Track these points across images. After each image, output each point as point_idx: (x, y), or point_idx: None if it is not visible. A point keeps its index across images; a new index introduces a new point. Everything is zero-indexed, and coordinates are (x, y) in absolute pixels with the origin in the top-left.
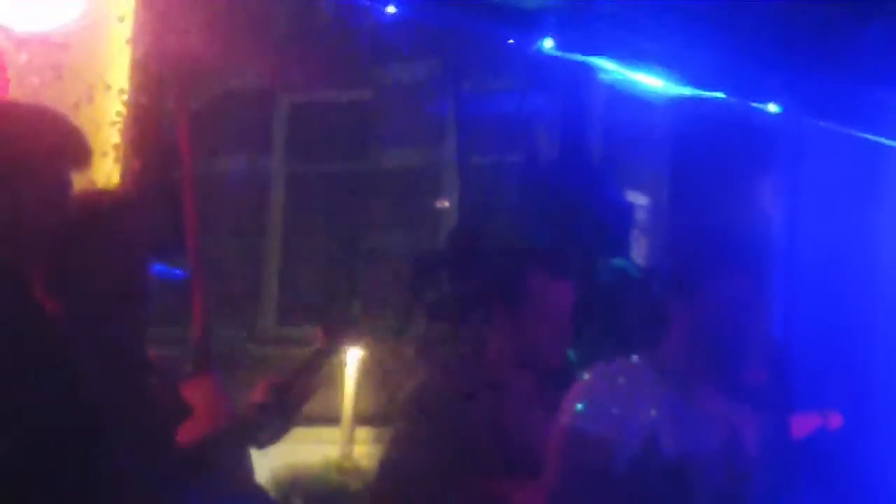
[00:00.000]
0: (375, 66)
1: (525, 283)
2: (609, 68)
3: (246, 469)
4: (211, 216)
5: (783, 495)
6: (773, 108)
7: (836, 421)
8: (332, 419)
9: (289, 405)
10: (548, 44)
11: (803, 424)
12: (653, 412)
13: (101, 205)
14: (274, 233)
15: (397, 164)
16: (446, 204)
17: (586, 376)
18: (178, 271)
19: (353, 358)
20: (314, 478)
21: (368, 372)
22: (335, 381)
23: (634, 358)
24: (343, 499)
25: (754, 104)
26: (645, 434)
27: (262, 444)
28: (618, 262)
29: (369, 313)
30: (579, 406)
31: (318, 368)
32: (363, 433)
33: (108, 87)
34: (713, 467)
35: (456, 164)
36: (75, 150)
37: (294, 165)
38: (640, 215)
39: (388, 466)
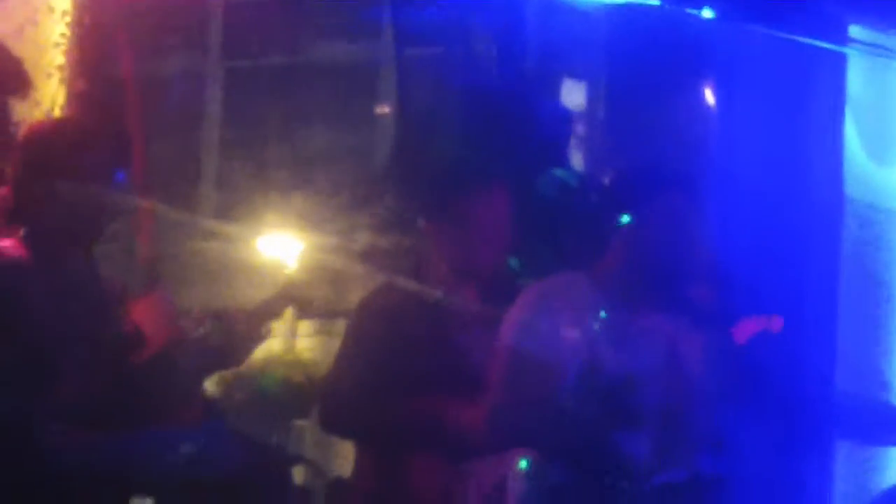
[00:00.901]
0: None
1: (462, 194)
2: None
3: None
4: (149, 116)
5: (724, 403)
6: (707, 13)
7: (777, 324)
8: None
9: (232, 338)
10: None
11: (744, 329)
12: (594, 328)
13: (58, 136)
14: (211, 130)
15: (334, 58)
16: (386, 110)
17: (527, 291)
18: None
19: (294, 250)
20: (256, 371)
21: (311, 265)
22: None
23: (575, 272)
24: (285, 392)
25: (689, 10)
26: (586, 350)
27: (209, 369)
28: (558, 172)
29: (308, 209)
30: (520, 323)
31: (271, 316)
32: (305, 326)
33: (52, 10)
34: (655, 383)
35: (393, 59)
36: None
37: (230, 62)
38: (578, 125)
39: (338, 373)
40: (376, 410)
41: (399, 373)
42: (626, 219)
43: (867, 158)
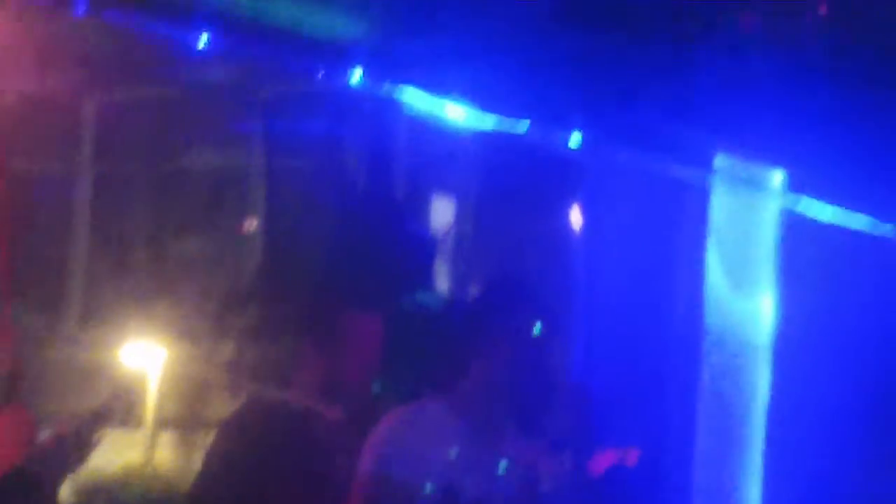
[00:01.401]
0: (181, 68)
1: (329, 317)
2: (416, 100)
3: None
4: (17, 218)
5: None
6: (574, 139)
7: (633, 456)
8: (134, 423)
9: (79, 449)
10: (356, 75)
11: (601, 461)
12: (451, 455)
13: None
14: (80, 234)
15: (205, 167)
16: (254, 224)
17: (388, 416)
18: None
19: (157, 361)
20: (116, 483)
21: (172, 377)
22: (139, 384)
23: (435, 398)
24: None
25: (558, 134)
26: (443, 478)
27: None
28: (421, 295)
29: (174, 318)
30: (380, 450)
31: (105, 423)
32: (166, 437)
33: None
34: None
35: (262, 168)
36: None
37: (100, 167)
38: (445, 248)
39: (199, 489)
40: None
41: (261, 492)
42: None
43: (729, 288)
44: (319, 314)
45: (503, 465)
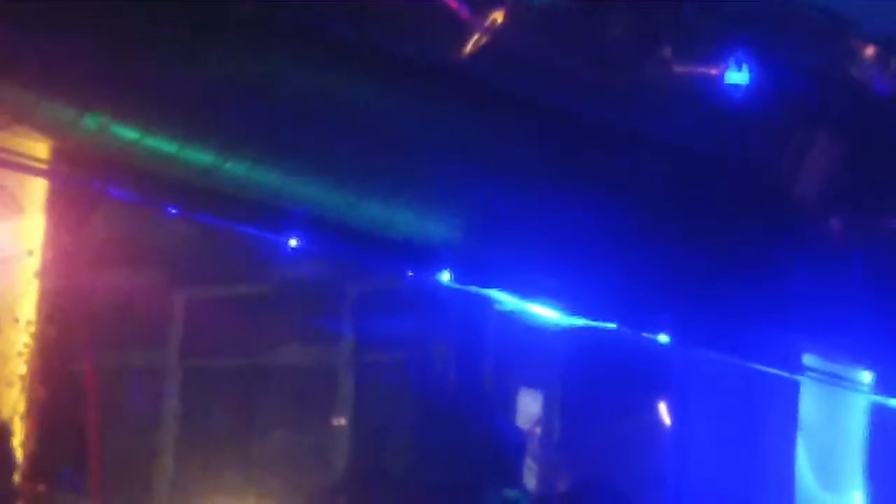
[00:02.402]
0: (271, 263)
1: None
2: (505, 300)
3: None
4: (107, 411)
5: None
6: (663, 338)
7: None
8: None
9: None
10: (445, 276)
11: None
12: None
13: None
14: (168, 429)
15: (293, 362)
16: (342, 422)
17: None
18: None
19: None
20: None
21: None
22: None
23: None
24: None
25: (645, 334)
26: None
27: None
28: (509, 492)
29: None
30: None
31: None
32: None
33: (16, 320)
34: None
35: (352, 365)
36: None
37: (189, 361)
38: (533, 444)
39: None
40: None
41: None
42: None
43: (819, 485)
44: None
45: None
